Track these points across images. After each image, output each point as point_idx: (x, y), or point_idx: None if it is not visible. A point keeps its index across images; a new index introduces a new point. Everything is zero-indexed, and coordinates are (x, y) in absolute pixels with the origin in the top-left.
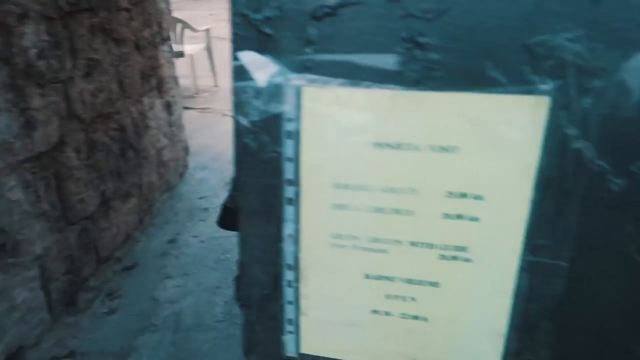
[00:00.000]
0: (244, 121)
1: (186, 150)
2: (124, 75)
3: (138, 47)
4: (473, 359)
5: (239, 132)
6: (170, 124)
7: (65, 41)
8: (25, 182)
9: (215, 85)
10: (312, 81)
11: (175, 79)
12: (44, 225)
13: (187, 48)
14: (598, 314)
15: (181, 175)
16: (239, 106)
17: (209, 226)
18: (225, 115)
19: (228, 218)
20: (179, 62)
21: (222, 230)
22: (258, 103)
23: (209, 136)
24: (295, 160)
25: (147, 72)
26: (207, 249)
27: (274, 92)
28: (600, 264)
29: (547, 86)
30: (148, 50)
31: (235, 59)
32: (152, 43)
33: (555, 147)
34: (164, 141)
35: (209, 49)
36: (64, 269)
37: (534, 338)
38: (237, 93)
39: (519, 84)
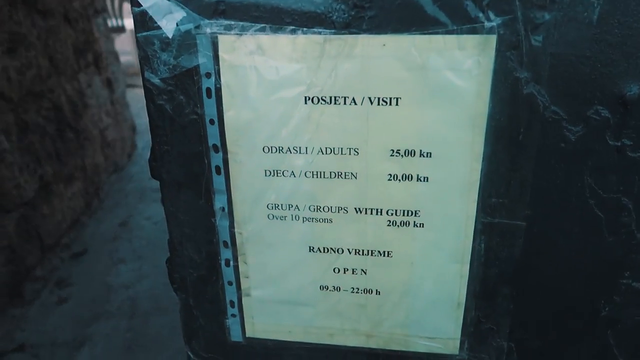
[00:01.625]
0: (155, 79)
1: (133, 129)
2: (54, 51)
3: (68, 20)
4: (431, 332)
5: (151, 93)
6: (113, 102)
7: None
8: None
9: None
10: (227, 28)
11: (114, 54)
12: None
13: (128, 22)
14: (558, 276)
15: (129, 155)
16: (146, 61)
17: (161, 207)
18: None
19: None
20: (120, 38)
21: None
22: (167, 56)
23: None
24: (219, 122)
25: (81, 47)
26: (161, 230)
27: (184, 42)
28: (559, 221)
29: (493, 23)
30: (80, 23)
31: (136, 4)
32: (84, 16)
33: (506, 93)
34: (107, 120)
35: None
36: (3, 260)
37: (493, 305)
38: (141, 45)
39: (462, 22)
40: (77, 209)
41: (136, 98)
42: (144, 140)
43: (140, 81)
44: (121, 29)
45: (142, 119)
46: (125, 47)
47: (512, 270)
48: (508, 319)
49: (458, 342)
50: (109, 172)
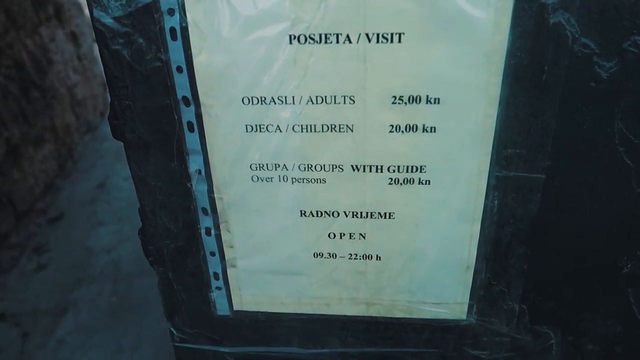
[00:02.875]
0: (106, 19)
1: (104, 86)
2: (11, 3)
3: None
4: (437, 297)
5: (103, 36)
6: (80, 58)
7: None
8: None
9: None
10: None
11: (77, 5)
12: None
13: None
14: (578, 232)
15: (102, 113)
16: None
17: None
18: None
19: None
20: None
21: None
22: None
23: None
24: (188, 69)
25: None
26: None
27: None
28: (583, 172)
29: None
30: None
31: None
32: None
33: (529, 24)
34: (76, 77)
35: None
36: None
37: (506, 267)
38: None
39: None
40: (50, 172)
41: None
42: None
43: None
44: None
45: None
46: None
47: (527, 229)
48: (521, 280)
49: (466, 306)
50: (82, 132)
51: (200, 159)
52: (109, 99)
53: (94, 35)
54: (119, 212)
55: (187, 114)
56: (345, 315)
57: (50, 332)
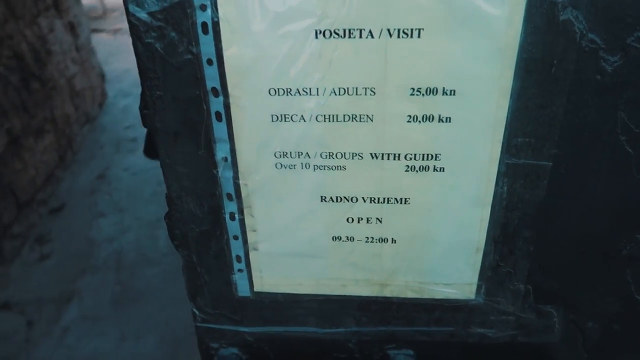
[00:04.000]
0: (141, 13)
1: (102, 77)
2: None
3: None
4: (448, 278)
5: (137, 30)
6: (78, 48)
7: None
8: None
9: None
10: None
11: None
12: None
13: None
14: (581, 216)
15: (100, 104)
16: None
17: (139, 157)
18: None
19: (155, 146)
20: None
21: (152, 160)
22: None
23: (127, 60)
24: (218, 62)
25: None
26: (141, 181)
27: None
28: (587, 160)
29: None
30: None
31: None
32: None
33: (540, 20)
34: (74, 68)
35: None
36: None
37: (513, 249)
38: None
39: None
40: (50, 163)
41: (102, 43)
42: (115, 88)
43: (105, 25)
44: None
45: (110, 66)
46: None
47: (534, 213)
48: (527, 262)
49: (475, 287)
50: (81, 123)
51: (227, 147)
52: (107, 90)
53: (92, 26)
54: (120, 203)
55: (216, 104)
56: (360, 296)
57: (55, 321)
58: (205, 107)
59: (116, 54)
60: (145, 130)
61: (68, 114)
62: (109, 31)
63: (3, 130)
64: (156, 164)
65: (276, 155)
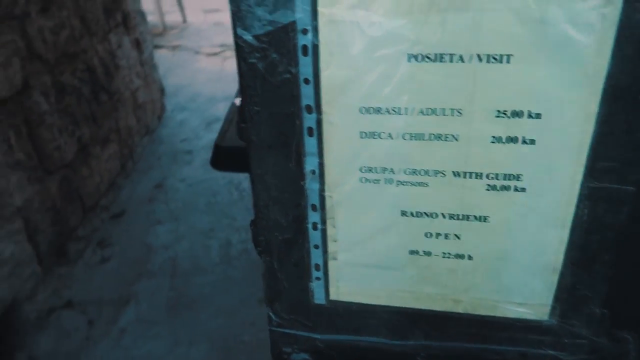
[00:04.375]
0: (247, 36)
1: (162, 91)
2: (85, 10)
3: None
4: (522, 298)
5: (243, 51)
6: (142, 63)
7: None
8: None
9: (184, 22)
10: None
11: (142, 14)
12: (21, 175)
13: None
14: None
15: (159, 117)
16: (239, 17)
17: (194, 169)
18: (198, 53)
19: (221, 158)
20: None
21: (209, 172)
22: (262, 11)
23: (184, 76)
24: (315, 81)
25: (110, 7)
26: (196, 192)
27: None
28: None
29: None
30: None
31: None
32: None
33: (629, 49)
34: (138, 82)
35: None
36: (49, 220)
37: (592, 271)
38: (235, 0)
39: None
40: (113, 171)
41: (162, 59)
42: (172, 102)
43: (164, 42)
44: None
45: (168, 80)
46: (148, 7)
47: (614, 237)
48: (605, 285)
49: (549, 308)
50: (141, 135)
51: (316, 160)
52: (166, 104)
53: (154, 42)
54: (175, 212)
55: (309, 121)
56: (432, 310)
57: (113, 321)
58: (298, 123)
59: (174, 70)
60: (202, 142)
61: (131, 126)
62: (168, 47)
63: (74, 138)
64: (211, 176)
65: (362, 170)
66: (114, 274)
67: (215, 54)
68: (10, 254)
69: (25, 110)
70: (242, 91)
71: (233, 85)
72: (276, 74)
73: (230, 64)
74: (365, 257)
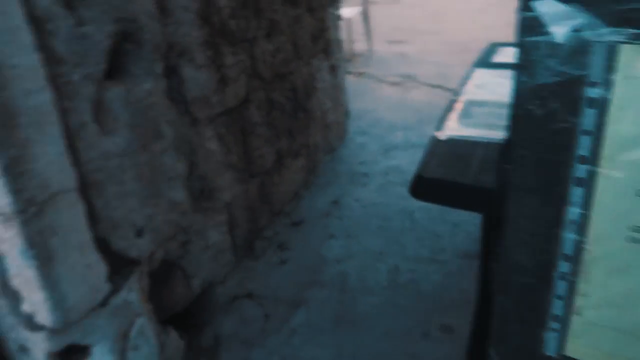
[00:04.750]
0: (530, 83)
1: (347, 114)
2: (298, 37)
3: (310, 9)
4: None
5: (521, 96)
6: (334, 87)
7: (251, 1)
8: (219, 135)
9: (370, 50)
10: (634, 37)
11: (339, 42)
12: (232, 175)
13: (344, 11)
14: None
15: (341, 138)
16: (526, 65)
17: (369, 191)
18: (381, 81)
19: (423, 188)
20: None
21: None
22: (552, 62)
23: (367, 101)
24: (596, 133)
25: (316, 35)
26: (369, 214)
27: (577, 49)
28: None
29: None
30: (318, 12)
31: (527, 9)
32: (322, 5)
33: None
34: (328, 104)
35: (364, 13)
36: (246, 218)
37: None
38: (525, 50)
39: None
40: (298, 183)
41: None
42: (354, 125)
43: (351, 68)
44: (338, 18)
45: (352, 105)
46: (340, 35)
47: None
48: None
49: None
50: (325, 152)
51: (579, 212)
52: (349, 127)
53: (346, 68)
54: (349, 229)
55: (580, 171)
56: None
57: (286, 320)
58: (567, 172)
59: (358, 95)
60: (378, 167)
61: (318, 143)
62: (355, 74)
63: (274, 149)
64: (384, 200)
65: (632, 229)
66: (289, 276)
67: (397, 84)
68: (215, 242)
69: (243, 120)
70: (513, 134)
71: (412, 114)
72: (553, 122)
73: (411, 95)
74: (616, 320)
